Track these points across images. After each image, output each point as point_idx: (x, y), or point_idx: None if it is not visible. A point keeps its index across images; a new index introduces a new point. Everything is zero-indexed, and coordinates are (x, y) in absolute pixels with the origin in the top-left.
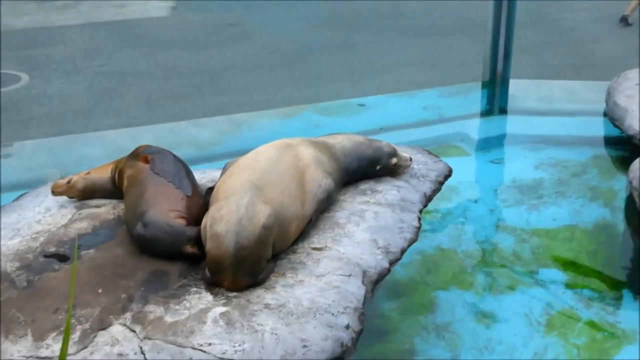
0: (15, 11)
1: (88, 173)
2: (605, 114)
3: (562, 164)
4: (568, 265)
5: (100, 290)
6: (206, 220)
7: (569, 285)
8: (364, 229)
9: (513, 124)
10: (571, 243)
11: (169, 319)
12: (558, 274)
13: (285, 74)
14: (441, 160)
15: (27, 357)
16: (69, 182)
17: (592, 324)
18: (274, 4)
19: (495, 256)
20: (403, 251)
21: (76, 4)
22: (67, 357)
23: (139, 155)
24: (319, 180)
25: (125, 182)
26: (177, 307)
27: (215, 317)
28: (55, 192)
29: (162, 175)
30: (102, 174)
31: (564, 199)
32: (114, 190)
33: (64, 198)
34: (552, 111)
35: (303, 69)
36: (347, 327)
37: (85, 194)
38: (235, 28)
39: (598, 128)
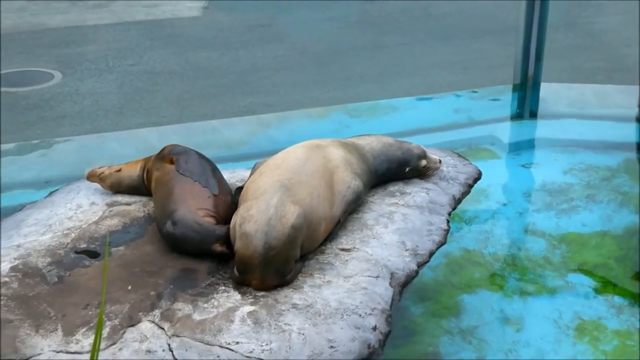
0: (49, 10)
1: (119, 170)
2: (637, 119)
3: (592, 169)
4: (598, 270)
5: (129, 287)
6: (235, 219)
7: (598, 291)
8: (393, 231)
9: (544, 128)
10: (601, 248)
11: (197, 316)
12: (587, 280)
13: (315, 75)
14: (471, 163)
15: (57, 352)
16: (101, 174)
17: (622, 331)
18: (304, 5)
19: (524, 260)
20: (431, 254)
21: (109, 3)
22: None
23: (165, 157)
24: (348, 181)
25: (153, 184)
26: (205, 305)
27: (243, 316)
28: (89, 179)
29: (187, 175)
30: (130, 172)
31: (595, 203)
32: (140, 187)
33: (95, 195)
34: (584, 115)
35: (333, 70)
36: (374, 328)
37: (112, 188)
38: (266, 29)
39: (630, 133)
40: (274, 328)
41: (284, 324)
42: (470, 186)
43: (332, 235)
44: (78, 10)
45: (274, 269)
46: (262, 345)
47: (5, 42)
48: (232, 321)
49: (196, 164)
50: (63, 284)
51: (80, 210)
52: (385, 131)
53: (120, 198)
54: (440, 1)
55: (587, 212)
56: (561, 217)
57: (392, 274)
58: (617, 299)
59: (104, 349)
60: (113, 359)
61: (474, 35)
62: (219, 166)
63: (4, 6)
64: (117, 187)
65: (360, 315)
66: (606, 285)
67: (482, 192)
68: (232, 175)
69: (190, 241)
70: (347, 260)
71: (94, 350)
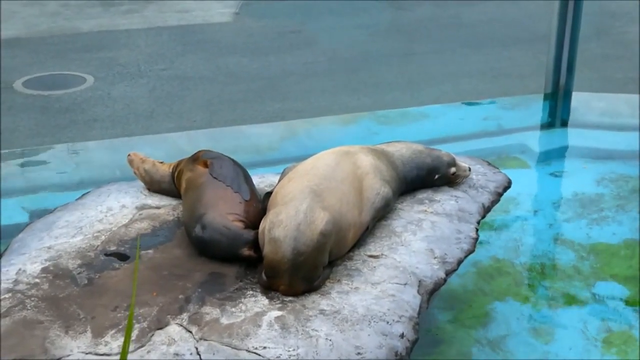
0: (82, 15)
1: (162, 163)
2: None
3: (623, 179)
4: (628, 281)
5: (154, 294)
6: (264, 224)
7: (628, 303)
8: (421, 238)
9: (574, 137)
10: (631, 259)
11: (224, 321)
12: (617, 291)
13: (344, 82)
14: (500, 172)
15: (86, 354)
16: (142, 157)
17: None
18: (334, 12)
19: (553, 270)
20: (460, 262)
21: (141, 8)
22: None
23: (199, 159)
24: (377, 188)
25: (184, 185)
26: (233, 309)
27: (271, 321)
28: (129, 159)
29: (220, 179)
30: (164, 171)
31: (625, 214)
32: (169, 188)
33: (125, 198)
34: (615, 125)
35: (362, 77)
36: (402, 336)
37: (144, 178)
38: (296, 35)
39: None
40: (301, 333)
41: (312, 329)
42: (500, 195)
43: (360, 241)
44: (111, 15)
45: (302, 274)
46: (289, 351)
47: (39, 45)
48: (259, 326)
49: (230, 169)
50: (93, 286)
51: (111, 213)
52: (414, 139)
53: (150, 201)
54: (470, 9)
55: (617, 222)
56: (592, 227)
57: (420, 281)
58: None
59: (132, 351)
60: None
61: (504, 43)
62: (248, 171)
63: (39, 10)
64: (148, 180)
65: (387, 322)
66: (636, 297)
67: (512, 200)
68: (261, 180)
69: (218, 244)
70: (375, 267)
71: (124, 352)
